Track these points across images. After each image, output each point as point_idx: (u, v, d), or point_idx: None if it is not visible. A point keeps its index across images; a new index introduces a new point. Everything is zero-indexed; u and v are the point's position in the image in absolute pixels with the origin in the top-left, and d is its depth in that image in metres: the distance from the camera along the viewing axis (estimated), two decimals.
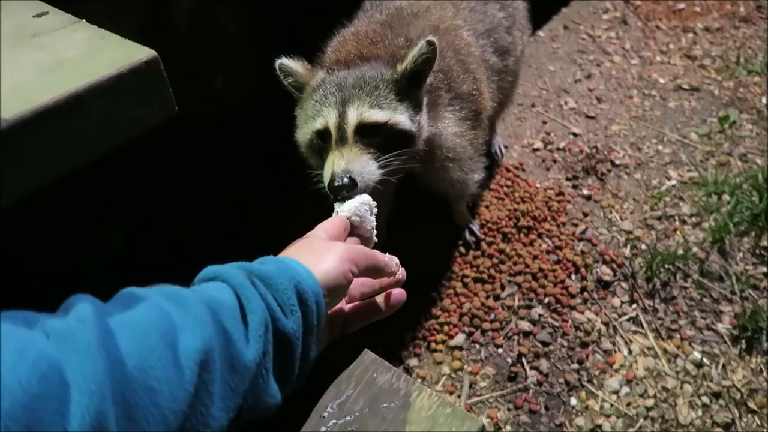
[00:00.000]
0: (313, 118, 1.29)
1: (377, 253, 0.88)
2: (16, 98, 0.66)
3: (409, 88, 1.30)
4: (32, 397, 0.43)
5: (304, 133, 1.35)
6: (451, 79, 1.47)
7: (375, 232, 1.03)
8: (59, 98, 0.67)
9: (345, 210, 1.00)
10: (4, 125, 0.62)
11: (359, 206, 1.02)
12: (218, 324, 0.62)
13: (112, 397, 0.49)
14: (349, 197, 1.07)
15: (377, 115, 1.24)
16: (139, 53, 0.75)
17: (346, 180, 1.12)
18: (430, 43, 1.24)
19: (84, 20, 0.83)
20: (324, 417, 0.86)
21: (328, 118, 1.25)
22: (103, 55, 0.75)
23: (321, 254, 0.79)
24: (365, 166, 1.18)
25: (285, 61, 1.35)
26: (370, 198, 1.07)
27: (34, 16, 0.84)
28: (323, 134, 1.27)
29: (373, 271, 0.86)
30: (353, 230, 1.00)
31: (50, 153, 0.70)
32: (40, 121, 0.66)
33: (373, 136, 1.23)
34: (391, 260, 0.91)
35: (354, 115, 1.23)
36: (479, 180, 1.71)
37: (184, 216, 1.79)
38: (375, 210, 1.05)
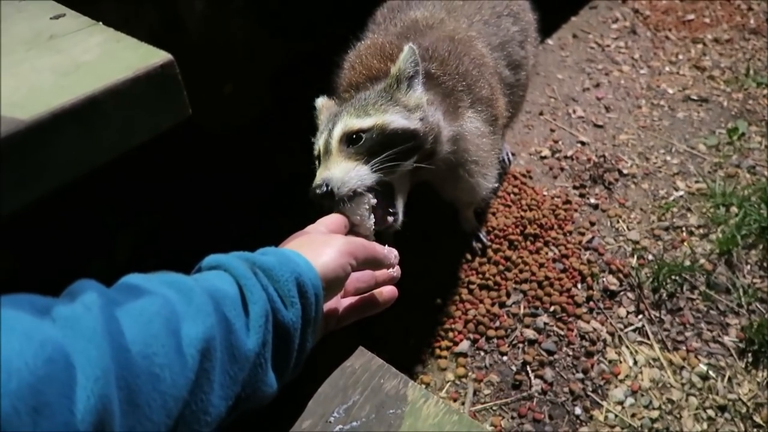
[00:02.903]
0: (315, 151, 1.32)
1: (376, 245, 0.90)
2: (34, 101, 0.67)
3: (406, 90, 1.31)
4: (39, 378, 0.44)
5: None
6: (471, 83, 1.49)
7: (372, 229, 1.05)
8: (76, 101, 0.67)
9: (345, 209, 1.02)
10: (21, 127, 0.63)
11: (359, 206, 1.03)
12: (220, 313, 0.63)
13: (116, 382, 0.50)
14: (333, 206, 1.07)
15: (362, 122, 1.22)
16: (155, 57, 0.75)
17: (324, 189, 1.10)
18: (411, 49, 1.28)
19: (101, 23, 0.84)
20: (330, 422, 0.86)
21: (319, 141, 1.27)
22: (119, 58, 0.75)
23: (321, 247, 0.81)
24: (347, 172, 1.14)
25: (318, 100, 1.43)
26: (372, 197, 1.09)
27: (51, 18, 0.85)
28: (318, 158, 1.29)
29: (372, 263, 0.88)
30: (352, 228, 1.02)
31: (65, 155, 0.71)
32: (57, 124, 0.66)
33: (360, 143, 1.21)
34: (390, 252, 0.93)
35: (339, 128, 1.23)
36: (492, 188, 1.71)
37: (192, 224, 1.80)
38: (373, 203, 1.08)
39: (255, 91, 1.99)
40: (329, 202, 1.09)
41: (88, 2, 0.97)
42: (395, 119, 1.25)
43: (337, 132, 1.22)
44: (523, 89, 1.91)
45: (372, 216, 1.08)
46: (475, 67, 1.52)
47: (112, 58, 0.75)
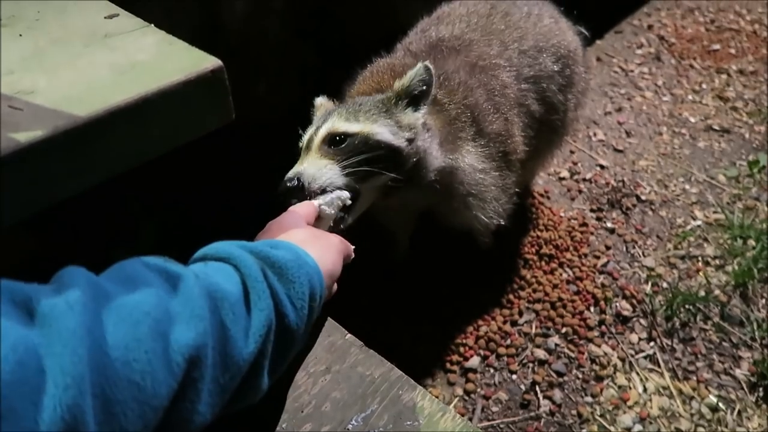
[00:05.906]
0: (300, 144, 1.32)
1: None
2: (91, 96, 0.69)
3: (405, 107, 1.29)
4: (6, 383, 0.42)
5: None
6: (479, 116, 1.44)
7: (331, 225, 1.10)
8: (130, 100, 0.70)
9: (320, 199, 1.08)
10: (79, 123, 0.65)
11: (334, 199, 1.09)
12: (216, 317, 0.60)
13: (91, 390, 0.48)
14: (298, 201, 1.09)
15: (349, 126, 1.22)
16: (205, 61, 0.78)
17: (294, 182, 1.11)
18: (426, 68, 1.26)
19: (152, 25, 0.87)
20: (348, 429, 0.87)
21: (305, 135, 1.27)
22: (171, 60, 0.78)
23: (325, 249, 0.83)
24: (320, 169, 1.15)
25: (317, 99, 1.45)
26: (347, 194, 1.13)
27: (105, 18, 0.88)
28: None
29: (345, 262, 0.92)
30: (317, 221, 1.05)
31: (114, 152, 0.73)
32: (111, 121, 0.69)
33: (341, 146, 1.20)
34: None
35: (325, 127, 1.23)
36: (495, 223, 1.60)
37: (217, 215, 1.82)
38: (348, 203, 1.13)
39: (288, 88, 2.00)
40: (298, 195, 1.11)
41: (136, 3, 1.00)
42: (382, 131, 1.24)
43: (323, 131, 1.23)
44: (554, 134, 1.81)
45: (337, 211, 1.11)
46: (488, 99, 1.47)
47: (166, 59, 0.77)
